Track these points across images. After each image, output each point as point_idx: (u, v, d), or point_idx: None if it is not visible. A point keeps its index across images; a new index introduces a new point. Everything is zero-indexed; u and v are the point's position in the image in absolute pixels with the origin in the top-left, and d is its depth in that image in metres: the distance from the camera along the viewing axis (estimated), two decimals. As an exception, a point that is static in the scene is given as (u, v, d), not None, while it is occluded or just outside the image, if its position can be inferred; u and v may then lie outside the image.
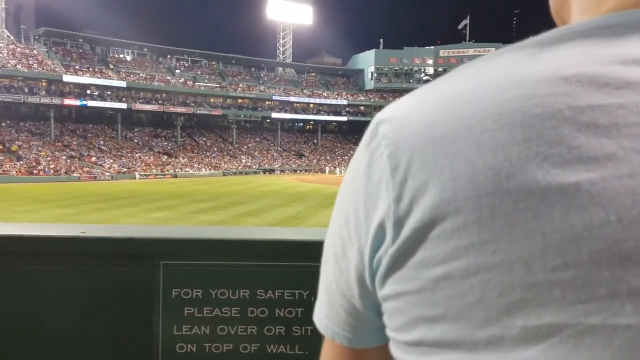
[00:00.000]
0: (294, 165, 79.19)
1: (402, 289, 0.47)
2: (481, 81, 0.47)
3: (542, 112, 0.41)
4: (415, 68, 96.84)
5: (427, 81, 72.62)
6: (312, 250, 1.56)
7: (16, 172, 54.03)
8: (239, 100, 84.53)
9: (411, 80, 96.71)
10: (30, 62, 66.17)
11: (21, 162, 56.73)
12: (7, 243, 1.54)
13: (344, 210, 0.55)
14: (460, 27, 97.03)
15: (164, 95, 77.62)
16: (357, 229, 0.52)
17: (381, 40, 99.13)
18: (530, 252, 0.40)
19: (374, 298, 0.52)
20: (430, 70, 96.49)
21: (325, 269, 0.61)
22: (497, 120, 0.43)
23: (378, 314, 0.53)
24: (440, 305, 0.44)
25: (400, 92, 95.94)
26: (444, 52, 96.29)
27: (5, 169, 53.93)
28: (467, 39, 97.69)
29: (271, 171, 74.67)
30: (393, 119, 0.50)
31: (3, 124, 64.25)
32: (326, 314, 0.60)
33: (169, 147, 74.30)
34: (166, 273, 1.53)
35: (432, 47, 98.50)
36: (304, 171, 77.12)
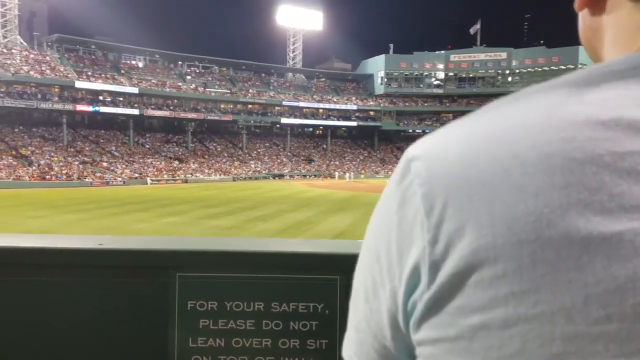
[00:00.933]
0: (303, 171, 79.28)
1: (438, 335, 0.45)
2: (518, 121, 0.45)
3: (582, 157, 0.40)
4: (426, 73, 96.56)
5: (437, 86, 71.84)
6: (326, 263, 1.58)
7: (29, 177, 54.63)
8: (249, 106, 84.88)
9: (421, 85, 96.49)
10: (43, 68, 67.00)
11: (33, 168, 57.35)
12: (23, 254, 1.57)
13: (375, 247, 0.53)
14: (472, 32, 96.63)
15: (175, 101, 78.21)
16: (389, 269, 0.50)
17: (391, 45, 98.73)
18: (572, 303, 0.38)
19: (407, 341, 0.50)
20: (441, 75, 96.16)
21: (354, 305, 0.58)
22: (536, 163, 0.41)
23: (411, 357, 0.51)
24: (477, 355, 0.42)
25: (410, 97, 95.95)
26: (454, 56, 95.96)
27: (18, 174, 54.56)
28: (478, 43, 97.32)
29: (281, 176, 74.81)
30: (426, 156, 0.49)
31: (16, 130, 65.04)
32: (356, 353, 0.58)
33: (180, 153, 74.76)
34: (182, 285, 1.55)
35: (443, 51, 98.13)
36: (313, 176, 77.19)
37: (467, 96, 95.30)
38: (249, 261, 1.58)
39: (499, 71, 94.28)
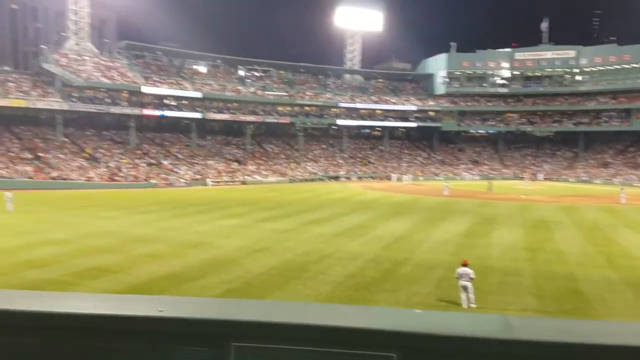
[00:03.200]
0: (359, 172, 78.96)
1: None
2: None
3: None
4: (490, 72, 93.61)
5: (502, 85, 69.83)
6: (383, 339, 1.50)
7: (99, 178, 57.57)
8: (306, 108, 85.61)
9: (485, 84, 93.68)
10: (113, 74, 70.46)
11: (103, 169, 60.33)
12: (86, 320, 1.63)
13: None
14: (543, 29, 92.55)
15: (235, 104, 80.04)
16: None
17: (453, 43, 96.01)
18: None
19: None
20: (506, 74, 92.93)
21: None
22: None
23: None
24: None
25: (473, 97, 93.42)
26: (520, 54, 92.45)
27: (89, 175, 57.62)
28: (546, 40, 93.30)
29: (336, 178, 74.84)
30: None
31: (87, 133, 68.76)
32: None
33: (239, 155, 76.45)
34: (237, 355, 1.55)
35: (508, 49, 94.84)
36: (369, 178, 76.69)
37: (533, 95, 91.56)
38: (304, 335, 1.55)
39: (567, 70, 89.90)
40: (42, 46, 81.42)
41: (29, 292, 2.01)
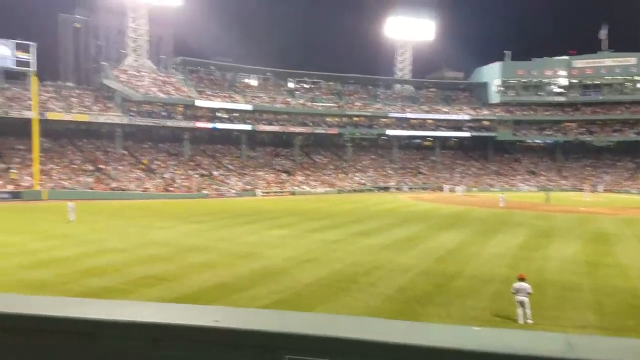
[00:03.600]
0: (409, 183, 77.91)
1: None
2: None
3: None
4: (546, 80, 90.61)
5: (559, 93, 66.86)
6: (443, 358, 1.46)
7: (155, 189, 59.58)
8: (355, 119, 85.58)
9: (541, 93, 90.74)
10: (168, 88, 73.06)
11: (159, 180, 62.38)
12: (144, 328, 1.65)
13: None
14: (601, 37, 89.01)
15: (285, 116, 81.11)
16: None
17: (507, 52, 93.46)
18: None
19: None
20: (563, 82, 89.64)
21: None
22: None
23: None
24: None
25: (529, 106, 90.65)
26: (578, 62, 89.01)
27: (146, 186, 59.76)
28: (605, 47, 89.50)
29: (386, 189, 74.12)
30: None
31: (144, 145, 71.42)
32: None
33: (287, 166, 77.20)
34: None
35: (565, 57, 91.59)
36: (420, 189, 75.48)
37: (592, 104, 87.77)
38: (358, 350, 1.53)
39: (628, 77, 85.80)
40: (103, 63, 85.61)
41: (83, 300, 2.03)
